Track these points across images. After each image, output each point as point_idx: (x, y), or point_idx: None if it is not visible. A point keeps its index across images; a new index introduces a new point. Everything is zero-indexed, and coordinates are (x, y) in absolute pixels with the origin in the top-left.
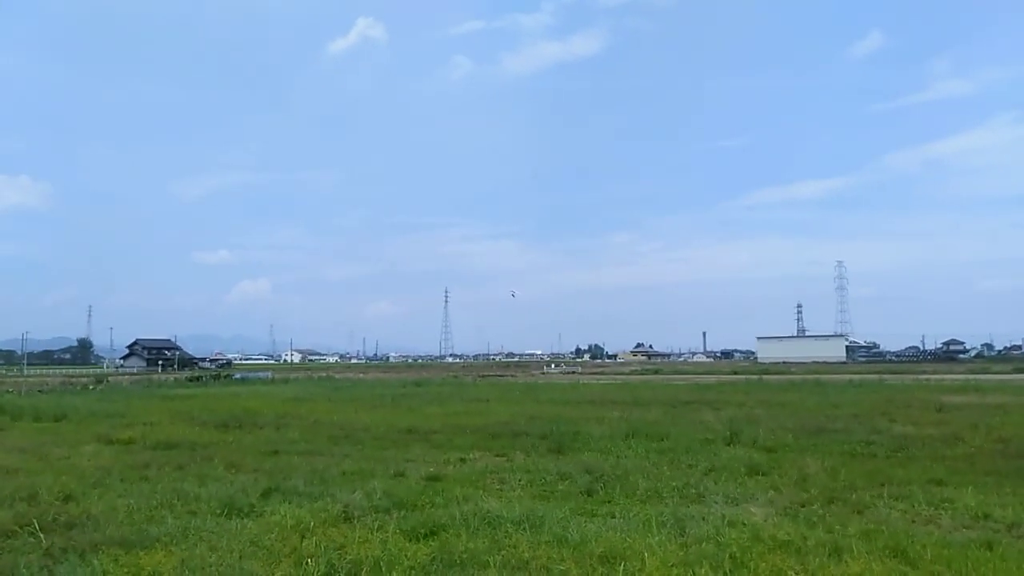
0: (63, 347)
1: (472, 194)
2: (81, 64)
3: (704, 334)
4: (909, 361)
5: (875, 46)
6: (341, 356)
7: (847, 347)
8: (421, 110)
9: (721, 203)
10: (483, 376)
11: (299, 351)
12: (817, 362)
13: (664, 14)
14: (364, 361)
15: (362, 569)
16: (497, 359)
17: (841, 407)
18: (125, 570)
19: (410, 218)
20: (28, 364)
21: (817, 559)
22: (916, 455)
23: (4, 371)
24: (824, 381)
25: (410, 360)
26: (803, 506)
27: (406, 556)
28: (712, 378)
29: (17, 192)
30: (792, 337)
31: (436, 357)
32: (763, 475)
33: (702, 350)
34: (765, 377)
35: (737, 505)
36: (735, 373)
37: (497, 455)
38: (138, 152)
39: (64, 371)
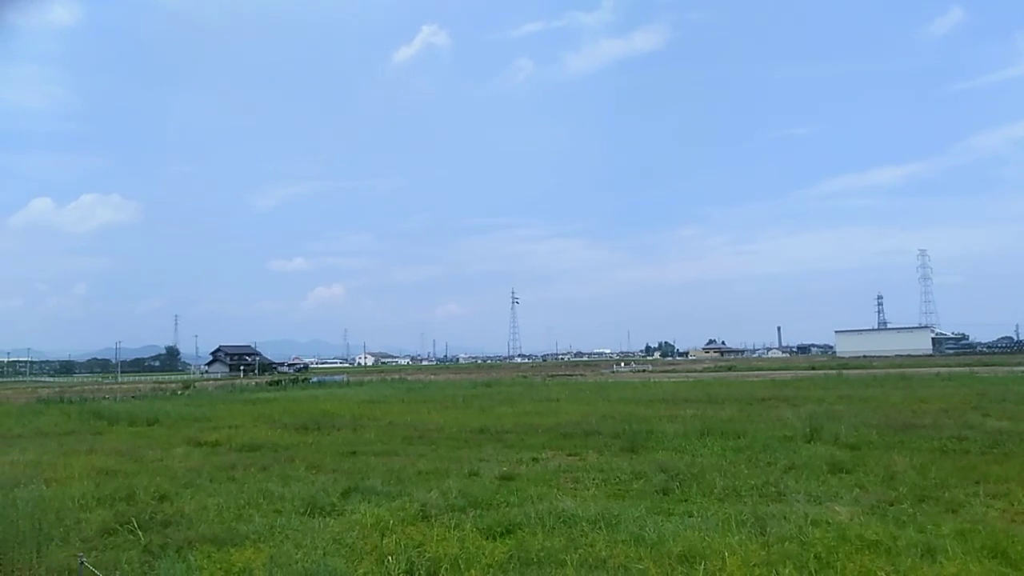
0: (153, 355)
1: (536, 194)
2: (162, 86)
3: (779, 329)
4: (1002, 352)
5: (955, 22)
6: (412, 358)
7: (933, 339)
8: (484, 113)
9: (792, 193)
10: (552, 376)
11: (372, 354)
12: (901, 355)
13: (727, 4)
14: (434, 362)
15: (441, 567)
16: (566, 359)
17: (929, 402)
18: (218, 566)
19: (476, 220)
20: (121, 372)
21: (909, 560)
22: (1014, 451)
23: (101, 378)
24: (909, 375)
25: (479, 361)
26: (891, 505)
27: (483, 554)
28: (788, 374)
29: (110, 210)
30: (873, 330)
31: (504, 358)
32: (847, 473)
33: (777, 345)
34: (845, 372)
35: (820, 504)
36: (813, 368)
37: (569, 454)
38: (215, 167)
39: (154, 378)
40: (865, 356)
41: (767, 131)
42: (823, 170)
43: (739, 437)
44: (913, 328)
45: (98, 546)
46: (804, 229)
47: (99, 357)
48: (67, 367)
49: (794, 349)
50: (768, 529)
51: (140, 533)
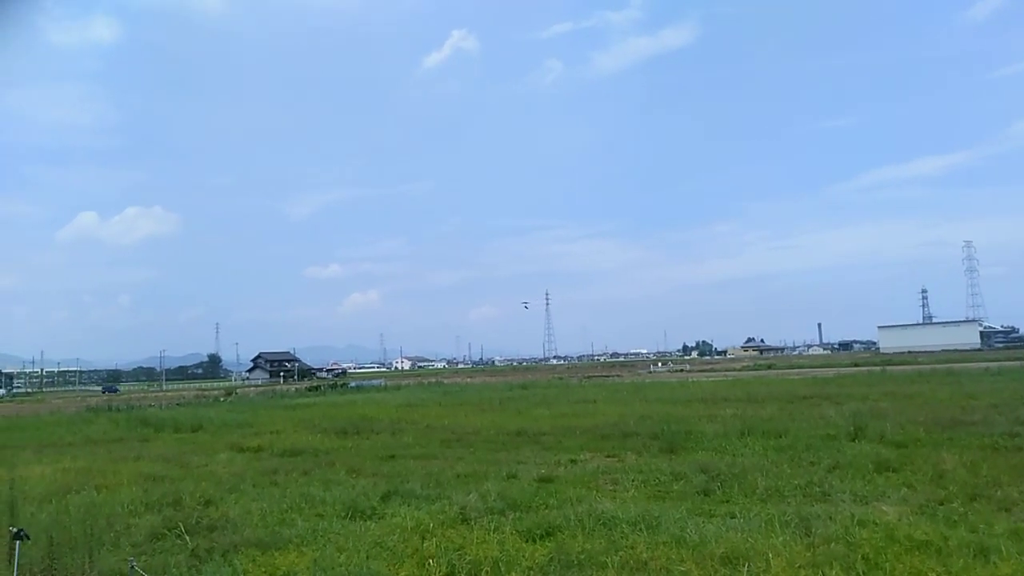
0: (195, 362)
1: (569, 195)
2: (200, 99)
3: (820, 325)
4: None
5: (995, 7)
6: (448, 361)
7: (981, 333)
8: (515, 115)
9: (831, 186)
10: (588, 377)
11: (408, 358)
12: (947, 350)
13: None
14: (470, 365)
15: (482, 569)
16: (602, 360)
17: (978, 398)
18: (263, 570)
19: (508, 222)
20: (166, 380)
21: (961, 560)
22: None
23: (146, 386)
24: (957, 370)
25: (514, 363)
26: (941, 504)
27: (523, 557)
28: (831, 371)
29: (152, 222)
30: (917, 324)
31: (540, 359)
32: (894, 471)
33: (818, 342)
34: (889, 368)
35: (867, 504)
36: (855, 365)
37: (608, 456)
38: (252, 177)
39: (197, 385)
40: (910, 352)
41: (804, 124)
42: (863, 162)
43: (781, 436)
44: (960, 322)
45: (147, 550)
46: (844, 223)
47: (144, 366)
48: (114, 376)
49: (835, 346)
50: (813, 530)
51: (187, 537)
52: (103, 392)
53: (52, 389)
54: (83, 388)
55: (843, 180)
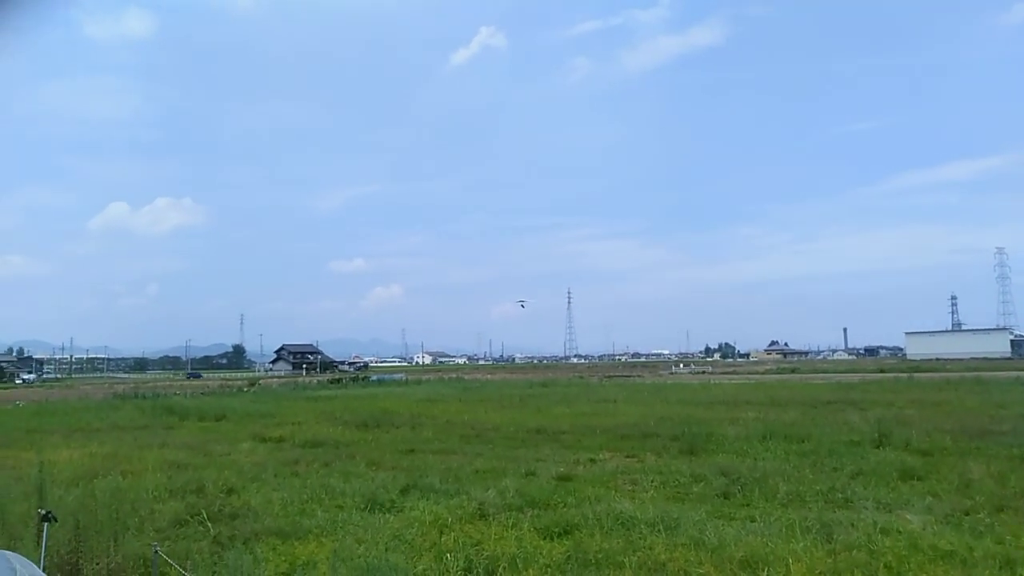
0: (220, 352)
1: (592, 194)
2: (229, 92)
3: (845, 330)
4: None
5: None
6: (469, 357)
7: (1012, 341)
8: (541, 113)
9: (857, 190)
10: (609, 377)
11: (430, 353)
12: (976, 358)
13: None
14: (491, 362)
15: (499, 565)
16: (623, 359)
17: (1008, 407)
18: (283, 558)
19: (532, 220)
20: (191, 369)
21: (986, 572)
22: None
23: (172, 375)
24: (986, 379)
25: (535, 361)
26: (967, 514)
27: (541, 554)
28: (855, 377)
29: (181, 213)
30: (946, 331)
31: (560, 358)
32: (918, 480)
33: (843, 347)
34: (916, 375)
35: (890, 512)
36: (881, 371)
37: (627, 456)
38: (279, 170)
39: (221, 375)
40: (938, 359)
41: (831, 126)
42: (890, 165)
43: (803, 441)
44: (990, 330)
45: (170, 536)
46: (871, 227)
47: (170, 355)
48: (141, 364)
49: (861, 351)
50: (835, 536)
51: (209, 525)
52: (188, 378)
53: (81, 376)
54: (111, 375)
55: (870, 184)
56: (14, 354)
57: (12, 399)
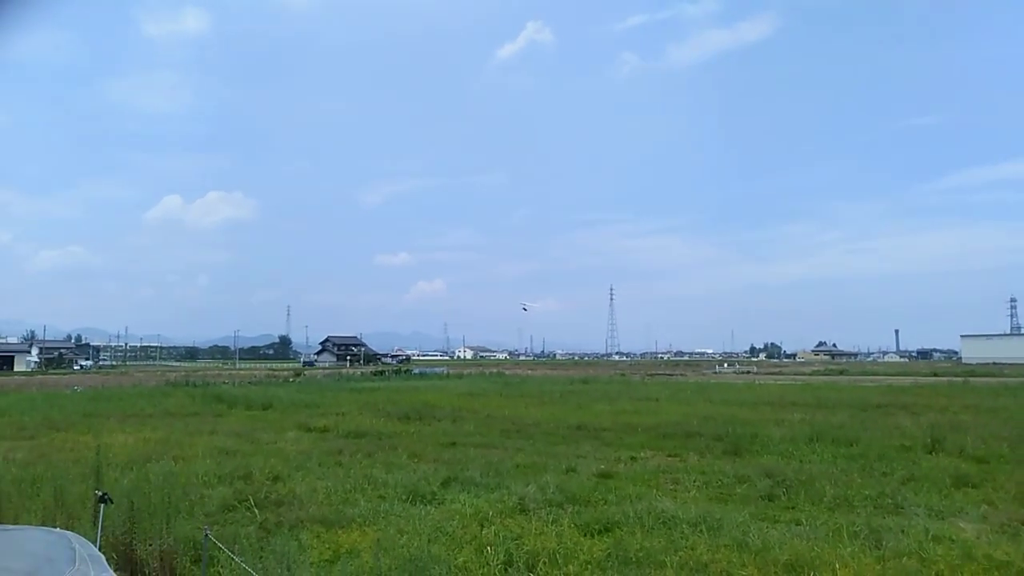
0: (267, 343)
1: (638, 189)
2: (280, 88)
3: (896, 332)
4: None
5: None
6: (510, 353)
7: None
8: (588, 108)
9: (911, 188)
10: (651, 375)
11: (471, 347)
12: None
13: None
14: (532, 358)
15: (539, 560)
16: (665, 358)
17: None
18: (327, 546)
19: (576, 215)
20: (239, 358)
21: None
22: None
23: (221, 364)
24: None
25: (576, 357)
26: None
27: (581, 550)
28: (907, 380)
29: (232, 206)
30: (1004, 335)
31: (602, 355)
32: (973, 487)
33: (894, 349)
34: (972, 379)
35: (943, 519)
36: (935, 375)
37: (669, 455)
38: (328, 165)
39: (268, 365)
40: (995, 363)
41: (887, 121)
42: (949, 162)
43: (852, 444)
44: None
45: (219, 520)
46: (927, 226)
47: (220, 344)
48: (191, 353)
49: (913, 354)
50: (884, 543)
51: (256, 511)
52: (303, 365)
53: (135, 363)
54: (163, 363)
55: (927, 181)
56: (72, 341)
57: (70, 384)
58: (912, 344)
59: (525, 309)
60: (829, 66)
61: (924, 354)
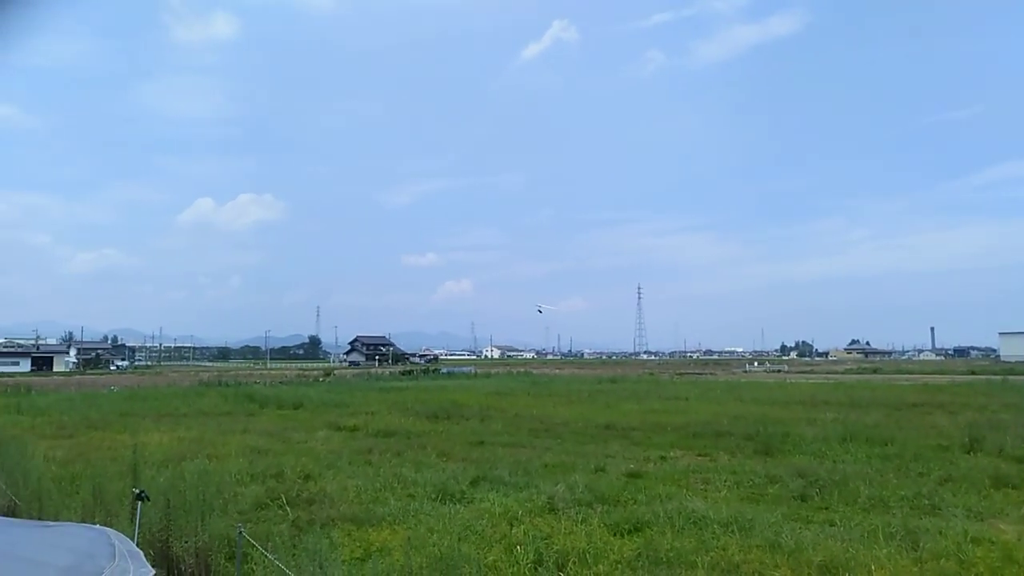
0: (297, 343)
1: (664, 187)
2: (308, 91)
3: (932, 330)
4: None
5: None
6: (537, 352)
7: None
8: (613, 106)
9: (946, 183)
10: (680, 374)
11: (498, 347)
12: None
13: None
14: (559, 357)
15: (569, 560)
16: (694, 356)
17: None
18: (358, 544)
19: (602, 214)
20: (270, 359)
21: None
22: None
23: (252, 364)
24: None
25: (604, 357)
26: None
27: (611, 550)
28: (944, 378)
29: (263, 208)
30: None
31: (630, 354)
32: (1013, 488)
33: (930, 347)
34: (1011, 378)
35: (982, 520)
36: (972, 373)
37: (699, 455)
38: (354, 167)
39: (298, 365)
40: None
41: (920, 116)
42: (985, 157)
43: (886, 444)
44: None
45: (252, 518)
46: (961, 222)
47: (251, 344)
48: (223, 353)
49: (950, 352)
50: (921, 544)
51: (288, 509)
52: (347, 365)
53: (169, 363)
54: (196, 363)
55: (960, 176)
56: (109, 342)
57: (107, 384)
58: (948, 342)
59: (540, 311)
60: (858, 60)
61: (961, 352)
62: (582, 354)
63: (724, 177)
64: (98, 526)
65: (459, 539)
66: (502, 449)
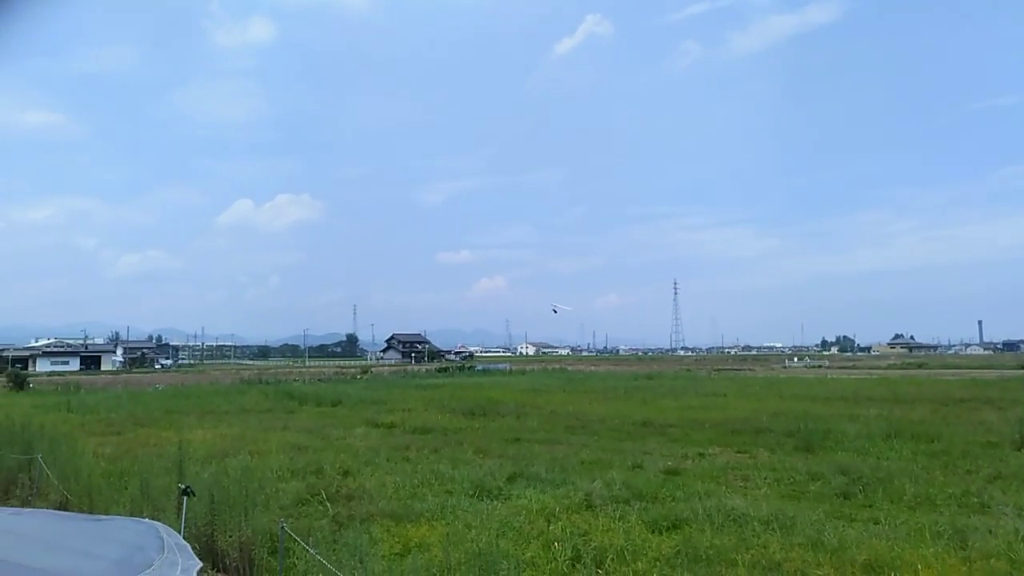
0: (335, 341)
1: (700, 181)
2: (344, 92)
3: (980, 323)
4: None
5: None
6: (572, 349)
7: None
8: (649, 100)
9: (995, 172)
10: (718, 370)
11: (533, 344)
12: None
13: None
14: (594, 354)
15: (607, 556)
16: (732, 352)
17: None
18: (396, 539)
19: (638, 209)
20: (308, 357)
21: None
22: None
23: (291, 362)
24: None
25: (640, 353)
26: None
27: (650, 547)
28: (992, 373)
29: (301, 208)
30: None
31: (666, 350)
32: None
33: (978, 341)
34: None
35: None
36: (1022, 367)
37: (738, 451)
38: (390, 166)
39: (336, 363)
40: None
41: (967, 102)
42: None
43: (932, 441)
44: None
45: (293, 513)
46: (1012, 211)
47: (290, 343)
48: (263, 351)
49: (998, 346)
50: (970, 543)
51: (328, 505)
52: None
53: (211, 362)
54: (237, 362)
55: (1009, 165)
56: (153, 341)
57: (152, 383)
58: (997, 335)
59: (555, 311)
60: (901, 46)
61: (1011, 346)
62: (618, 351)
63: (762, 170)
64: (147, 520)
65: (497, 535)
66: (538, 446)
